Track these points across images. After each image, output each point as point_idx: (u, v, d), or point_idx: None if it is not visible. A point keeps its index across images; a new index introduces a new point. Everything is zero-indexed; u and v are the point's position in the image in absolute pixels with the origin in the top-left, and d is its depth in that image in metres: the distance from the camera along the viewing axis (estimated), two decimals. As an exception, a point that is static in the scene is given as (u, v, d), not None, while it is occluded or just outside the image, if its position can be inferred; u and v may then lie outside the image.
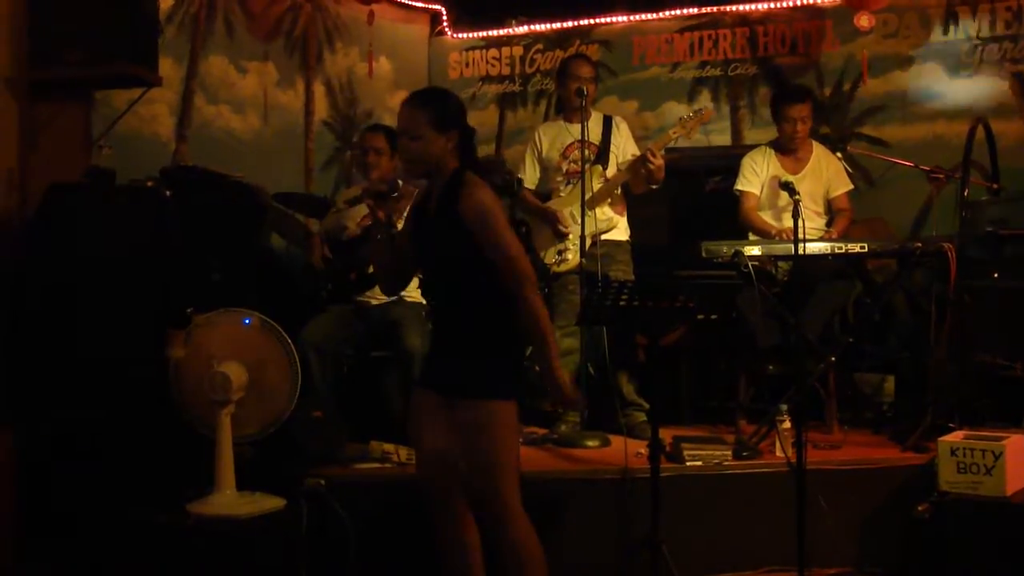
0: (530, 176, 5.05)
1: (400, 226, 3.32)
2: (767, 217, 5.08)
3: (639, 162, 4.73)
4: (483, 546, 3.23)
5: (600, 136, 4.93)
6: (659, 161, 4.66)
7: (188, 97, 5.82)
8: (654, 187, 4.82)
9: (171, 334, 3.83)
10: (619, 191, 4.91)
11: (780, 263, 4.78)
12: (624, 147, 4.95)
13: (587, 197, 4.67)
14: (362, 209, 4.87)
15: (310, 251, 5.05)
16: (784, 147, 5.13)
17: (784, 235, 4.76)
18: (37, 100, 4.20)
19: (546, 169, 5.04)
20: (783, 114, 5.05)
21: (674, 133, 4.79)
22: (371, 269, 4.64)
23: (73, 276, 3.87)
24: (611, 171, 4.89)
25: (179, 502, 3.65)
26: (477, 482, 3.09)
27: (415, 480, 3.28)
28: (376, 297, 4.70)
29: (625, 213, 4.97)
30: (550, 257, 4.87)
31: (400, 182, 3.18)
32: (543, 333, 3.08)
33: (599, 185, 4.81)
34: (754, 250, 4.55)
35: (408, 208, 3.34)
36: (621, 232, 4.93)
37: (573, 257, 4.78)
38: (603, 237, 4.80)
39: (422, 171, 3.15)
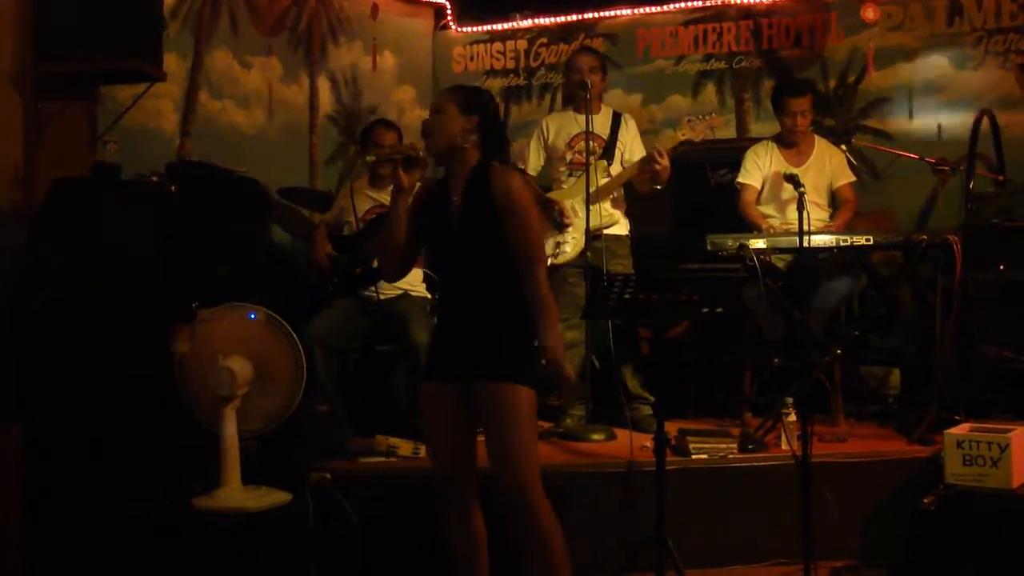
0: (533, 164, 5.01)
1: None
2: (771, 210, 5.09)
3: (645, 162, 4.72)
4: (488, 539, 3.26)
5: (608, 131, 4.91)
6: (665, 162, 4.64)
7: (192, 92, 5.81)
8: (658, 188, 4.80)
9: (176, 329, 3.84)
10: (621, 190, 4.90)
11: (785, 255, 4.78)
12: (631, 145, 4.94)
13: (591, 190, 4.66)
14: (364, 203, 4.91)
15: (312, 248, 5.04)
16: (786, 141, 5.14)
17: (774, 231, 4.79)
18: (42, 96, 4.21)
19: (551, 158, 5.01)
20: (783, 108, 5.07)
21: (681, 135, 4.77)
22: (375, 263, 4.63)
23: (78, 271, 3.88)
24: (615, 168, 4.88)
25: (185, 496, 3.65)
26: (502, 470, 3.08)
27: (427, 474, 3.30)
28: (382, 291, 4.70)
29: (624, 209, 4.97)
30: (548, 249, 4.78)
31: (423, 154, 3.17)
32: (548, 310, 3.11)
33: (603, 180, 4.80)
34: (759, 243, 4.55)
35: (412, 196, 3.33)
36: (621, 227, 4.92)
37: (572, 249, 4.77)
38: (603, 232, 4.79)
39: (439, 146, 3.16)
